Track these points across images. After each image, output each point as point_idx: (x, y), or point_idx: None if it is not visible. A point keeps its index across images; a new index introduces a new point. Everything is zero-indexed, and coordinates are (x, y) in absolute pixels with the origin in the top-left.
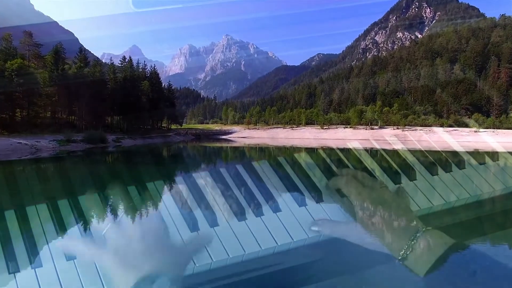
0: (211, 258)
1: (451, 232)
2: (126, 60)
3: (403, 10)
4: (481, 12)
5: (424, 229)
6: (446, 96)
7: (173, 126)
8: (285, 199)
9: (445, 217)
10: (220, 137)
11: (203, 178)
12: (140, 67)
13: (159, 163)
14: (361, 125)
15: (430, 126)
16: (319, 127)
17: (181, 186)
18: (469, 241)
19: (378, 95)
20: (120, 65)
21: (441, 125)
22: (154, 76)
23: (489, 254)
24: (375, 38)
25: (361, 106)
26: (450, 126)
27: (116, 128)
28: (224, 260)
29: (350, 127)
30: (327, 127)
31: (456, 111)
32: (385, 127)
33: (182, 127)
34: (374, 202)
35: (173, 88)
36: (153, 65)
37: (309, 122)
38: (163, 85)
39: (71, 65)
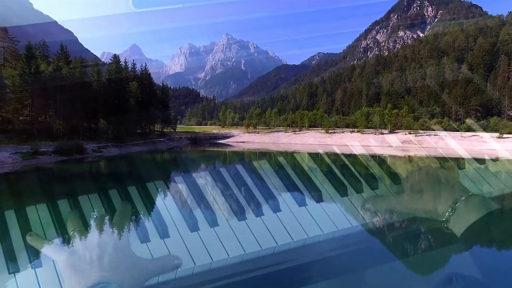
0: (211, 258)
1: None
2: (126, 59)
3: (405, 9)
4: (484, 10)
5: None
6: (454, 96)
7: (168, 129)
8: (285, 199)
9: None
10: (218, 141)
11: (203, 178)
12: (129, 67)
13: (135, 185)
14: (369, 128)
15: (444, 130)
16: (323, 131)
17: (181, 186)
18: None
19: (383, 96)
20: (110, 63)
21: (457, 130)
22: (145, 77)
23: (488, 255)
24: (376, 37)
25: (368, 108)
26: (468, 130)
27: (103, 134)
28: (224, 260)
29: (358, 131)
30: (332, 131)
31: (465, 113)
32: (396, 131)
33: (177, 130)
34: (374, 204)
35: (171, 88)
36: (144, 64)
37: (312, 125)
38: (160, 84)
39: (54, 64)
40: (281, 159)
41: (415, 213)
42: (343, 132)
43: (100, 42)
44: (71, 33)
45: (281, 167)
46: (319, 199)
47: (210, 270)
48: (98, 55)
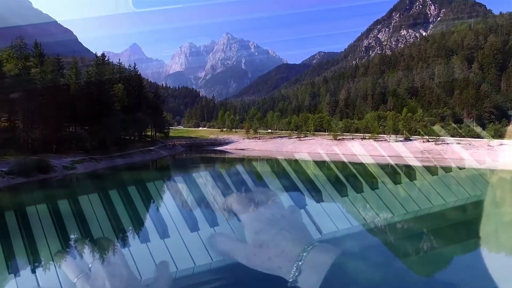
0: (211, 258)
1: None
2: (125, 60)
3: (407, 7)
4: (488, 8)
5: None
6: (466, 98)
7: (161, 134)
8: (284, 199)
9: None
10: (216, 148)
11: (203, 178)
12: (115, 67)
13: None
14: (380, 134)
15: (463, 136)
16: (331, 137)
17: (181, 186)
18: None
19: (389, 97)
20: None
21: (479, 136)
22: (133, 78)
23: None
24: (378, 36)
25: (378, 112)
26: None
27: (85, 144)
28: (224, 260)
29: (370, 138)
30: (341, 137)
31: (478, 115)
32: (412, 138)
33: (172, 134)
34: (374, 205)
35: (171, 87)
36: (132, 65)
37: (317, 129)
38: (161, 84)
39: (21, 65)
40: (281, 159)
41: (415, 216)
42: (352, 138)
43: (100, 42)
44: (71, 32)
45: (282, 168)
46: (318, 198)
47: (210, 270)
48: (99, 55)
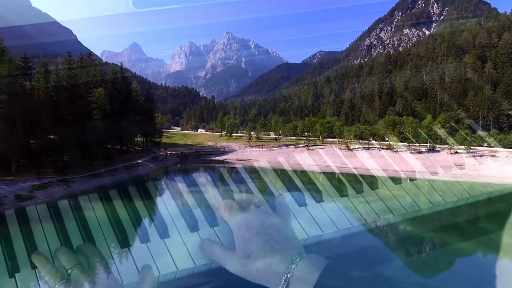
0: (211, 258)
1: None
2: (125, 59)
3: (409, 6)
4: (492, 7)
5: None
6: (481, 99)
7: (155, 140)
8: (285, 200)
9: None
10: (214, 158)
11: (204, 178)
12: (97, 67)
13: None
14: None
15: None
16: (342, 145)
17: (181, 186)
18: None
19: (397, 98)
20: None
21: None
22: (118, 80)
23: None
24: (380, 35)
25: (393, 117)
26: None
27: (58, 159)
28: None
29: (388, 148)
30: (355, 147)
31: (495, 118)
32: (437, 148)
33: (166, 141)
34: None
35: (170, 87)
36: (120, 64)
37: (326, 135)
38: (161, 84)
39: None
40: (282, 159)
41: (414, 216)
42: (368, 148)
43: (100, 41)
44: (71, 32)
45: (281, 167)
46: (319, 198)
47: (210, 270)
48: (98, 54)
